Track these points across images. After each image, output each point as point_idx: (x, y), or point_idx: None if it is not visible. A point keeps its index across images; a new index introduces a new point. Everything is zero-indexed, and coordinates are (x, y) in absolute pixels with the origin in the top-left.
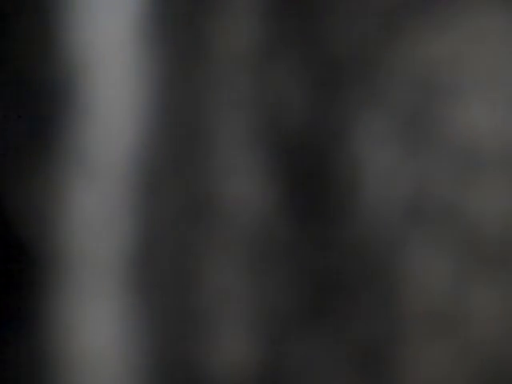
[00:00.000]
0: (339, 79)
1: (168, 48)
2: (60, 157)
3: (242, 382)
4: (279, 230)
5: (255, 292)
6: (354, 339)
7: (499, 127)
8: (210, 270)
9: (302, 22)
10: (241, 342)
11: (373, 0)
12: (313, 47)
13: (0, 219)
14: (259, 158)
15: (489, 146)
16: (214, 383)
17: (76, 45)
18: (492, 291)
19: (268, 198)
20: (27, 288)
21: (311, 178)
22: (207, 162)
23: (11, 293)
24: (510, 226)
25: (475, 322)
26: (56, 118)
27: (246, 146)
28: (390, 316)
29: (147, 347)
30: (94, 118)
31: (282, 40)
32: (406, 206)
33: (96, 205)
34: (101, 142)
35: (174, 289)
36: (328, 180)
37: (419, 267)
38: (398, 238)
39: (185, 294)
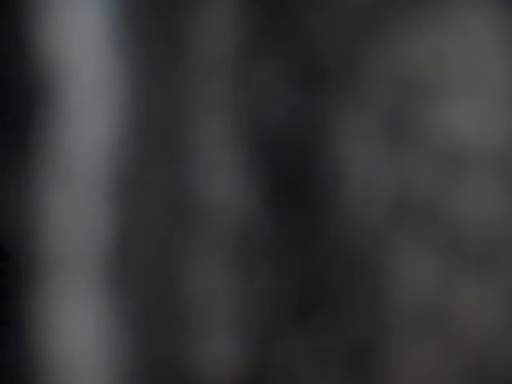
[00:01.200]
0: (323, 79)
1: (145, 47)
2: (35, 159)
3: (228, 382)
4: (263, 229)
5: (240, 292)
6: (340, 338)
7: (483, 126)
8: (193, 270)
9: (284, 23)
10: (226, 342)
11: (356, 1)
12: (296, 47)
13: None
14: (242, 157)
15: (473, 146)
16: (199, 383)
17: (51, 46)
18: (477, 290)
19: (251, 198)
20: (6, 291)
21: (295, 177)
22: (188, 162)
23: None
24: (494, 225)
25: (461, 320)
26: (30, 120)
27: (228, 146)
28: (376, 315)
29: (130, 348)
30: (69, 119)
31: (265, 40)
32: (391, 205)
33: (73, 207)
34: (76, 143)
35: (155, 290)
36: (312, 179)
37: (404, 266)
38: (382, 236)
39: (168, 293)
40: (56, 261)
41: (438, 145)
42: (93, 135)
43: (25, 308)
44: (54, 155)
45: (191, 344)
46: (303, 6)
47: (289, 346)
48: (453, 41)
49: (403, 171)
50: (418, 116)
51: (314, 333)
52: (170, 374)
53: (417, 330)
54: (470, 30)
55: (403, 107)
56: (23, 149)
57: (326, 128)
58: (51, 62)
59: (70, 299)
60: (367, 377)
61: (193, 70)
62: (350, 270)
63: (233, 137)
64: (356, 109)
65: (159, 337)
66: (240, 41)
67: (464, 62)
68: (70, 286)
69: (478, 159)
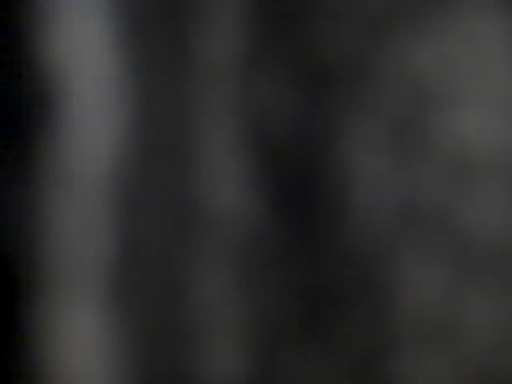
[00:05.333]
0: (328, 86)
1: (148, 56)
2: (38, 167)
3: None
4: (268, 239)
5: (244, 303)
6: (347, 351)
7: (491, 134)
8: (197, 281)
9: (289, 30)
10: (230, 354)
11: (361, 6)
12: (301, 54)
13: None
14: (247, 166)
15: (481, 154)
16: None
17: (54, 54)
18: (486, 301)
19: (256, 208)
20: (9, 301)
21: (300, 186)
22: (193, 171)
23: None
24: (504, 235)
25: (470, 332)
26: (33, 129)
27: (233, 155)
28: (383, 327)
29: (134, 359)
30: (72, 127)
31: (270, 47)
32: (398, 215)
33: (77, 216)
34: (80, 151)
35: (159, 301)
36: (318, 189)
37: (412, 277)
38: (389, 247)
39: (171, 305)
40: (58, 270)
41: (447, 152)
42: (97, 143)
43: (25, 318)
44: (58, 163)
45: (195, 354)
46: (309, 14)
47: (294, 357)
48: (461, 46)
49: (411, 179)
50: (427, 123)
51: (320, 343)
52: (174, 383)
53: (425, 341)
54: (478, 34)
55: (411, 114)
56: (26, 157)
57: (332, 136)
58: (55, 70)
59: (73, 309)
60: None
61: (198, 78)
62: (357, 280)
63: (238, 145)
64: (363, 116)
65: (163, 347)
66: (245, 48)
67: (473, 67)
68: (72, 295)
69: (487, 167)
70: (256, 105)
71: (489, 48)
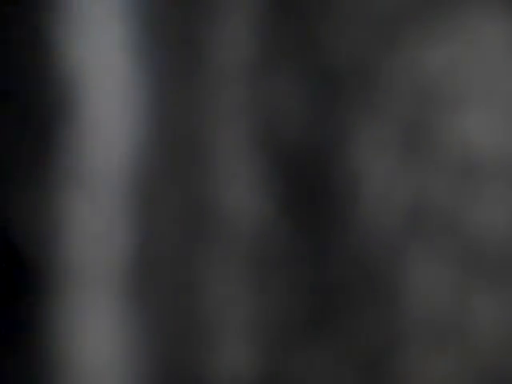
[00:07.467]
0: (338, 90)
1: (163, 59)
2: (56, 170)
3: None
4: (279, 240)
5: (255, 302)
6: (355, 350)
7: (499, 137)
8: (209, 281)
9: (300, 34)
10: (241, 353)
11: (371, 10)
12: (311, 58)
13: None
14: (258, 168)
15: (488, 157)
16: None
17: (71, 58)
18: (492, 302)
19: (267, 209)
20: (26, 300)
21: (310, 188)
22: (205, 173)
23: (10, 305)
24: (510, 237)
25: (476, 333)
26: (51, 131)
27: (244, 157)
28: (390, 327)
29: (148, 357)
30: (90, 130)
31: (281, 51)
32: (406, 217)
33: (93, 216)
34: (97, 154)
35: (173, 299)
36: (327, 191)
37: (419, 278)
38: (398, 248)
39: (184, 304)
40: (76, 270)
41: (455, 156)
42: (114, 145)
43: (44, 317)
44: (76, 165)
45: (208, 354)
46: (319, 18)
47: (304, 357)
48: (468, 50)
49: (419, 183)
50: (434, 127)
51: (329, 344)
52: (186, 383)
53: (432, 341)
54: (485, 38)
55: (419, 118)
56: (44, 160)
57: (342, 139)
58: (74, 72)
59: (89, 307)
60: None
61: (210, 80)
62: (364, 282)
63: (250, 148)
64: (372, 120)
65: (177, 346)
66: (257, 50)
67: (481, 69)
68: (89, 294)
69: (494, 170)
70: (267, 106)
71: (497, 50)
